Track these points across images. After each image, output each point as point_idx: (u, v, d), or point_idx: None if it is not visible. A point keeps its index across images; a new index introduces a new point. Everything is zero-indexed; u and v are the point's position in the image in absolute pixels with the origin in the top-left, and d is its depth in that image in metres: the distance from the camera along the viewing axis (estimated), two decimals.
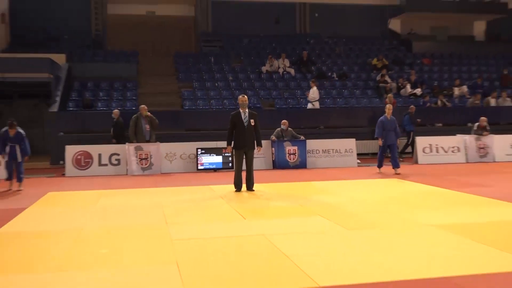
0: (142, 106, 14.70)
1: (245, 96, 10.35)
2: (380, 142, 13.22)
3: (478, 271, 4.74)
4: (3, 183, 11.36)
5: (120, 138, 15.13)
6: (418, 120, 17.71)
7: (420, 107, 19.87)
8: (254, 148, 10.19)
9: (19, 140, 11.06)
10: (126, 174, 13.87)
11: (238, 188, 10.21)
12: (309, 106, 18.79)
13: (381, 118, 13.23)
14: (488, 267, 4.87)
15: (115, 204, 8.92)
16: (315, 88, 18.79)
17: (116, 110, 15.71)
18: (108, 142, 15.02)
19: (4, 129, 11.07)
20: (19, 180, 11.09)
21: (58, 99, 17.39)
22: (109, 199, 9.58)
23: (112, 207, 8.61)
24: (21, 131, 11.17)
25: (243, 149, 10.12)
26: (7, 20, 22.94)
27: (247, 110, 10.18)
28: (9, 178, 11.05)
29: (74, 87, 19.48)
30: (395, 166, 12.92)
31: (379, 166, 13.35)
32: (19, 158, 11.03)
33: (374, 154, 17.62)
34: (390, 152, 13.22)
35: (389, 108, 13.21)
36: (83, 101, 18.35)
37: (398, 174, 12.70)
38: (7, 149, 10.99)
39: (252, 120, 10.09)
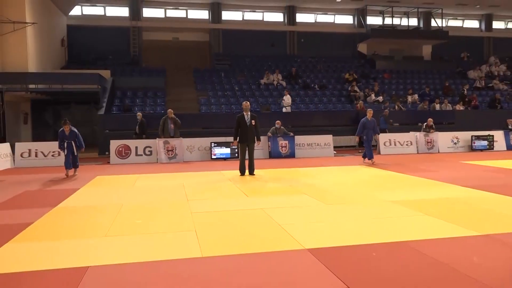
0: (169, 110, 14.61)
1: (248, 102, 10.30)
2: (357, 139, 12.67)
3: (427, 237, 4.71)
4: (64, 170, 11.03)
5: (144, 134, 14.93)
6: (391, 120, 17.59)
7: (382, 111, 19.87)
8: (254, 142, 10.14)
9: (73, 137, 10.67)
10: (156, 162, 13.83)
11: (242, 173, 10.16)
12: (284, 110, 18.56)
13: (363, 119, 12.33)
14: (434, 233, 4.83)
15: (148, 185, 8.89)
16: (288, 95, 18.69)
17: (139, 113, 15.46)
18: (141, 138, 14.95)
19: (61, 129, 10.60)
20: (76, 167, 10.88)
21: (104, 104, 17.32)
22: (143, 181, 9.55)
23: (146, 188, 8.58)
24: (75, 129, 10.74)
25: (246, 142, 10.08)
26: (66, 44, 22.86)
27: (249, 113, 10.13)
28: (69, 167, 10.69)
29: (117, 95, 19.41)
30: (369, 157, 12.23)
31: (370, 157, 12.19)
32: (75, 152, 10.70)
33: (347, 146, 17.61)
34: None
35: (369, 112, 12.42)
36: (123, 106, 18.28)
37: (367, 163, 12.14)
38: (65, 145, 10.60)
39: (253, 121, 10.04)
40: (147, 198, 7.39)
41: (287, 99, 18.57)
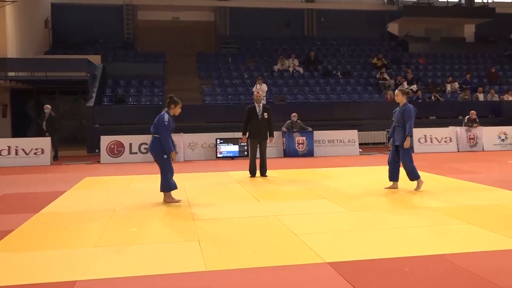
0: None
1: (260, 92, 10.28)
2: None
3: (468, 249, 4.66)
4: None
5: (53, 130, 14.56)
6: None
7: (416, 102, 19.68)
8: (267, 139, 10.12)
9: None
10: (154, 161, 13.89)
11: (252, 174, 10.16)
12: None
13: None
14: (477, 245, 4.78)
15: (144, 188, 8.93)
16: (264, 84, 18.19)
17: (47, 105, 14.87)
18: (137, 132, 14.99)
19: (165, 112, 7.27)
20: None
21: (94, 95, 17.44)
22: (138, 183, 9.60)
23: (141, 191, 8.63)
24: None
25: (257, 139, 10.07)
26: (50, 25, 23.05)
27: (261, 104, 10.12)
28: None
29: (108, 84, 19.53)
30: None
31: None
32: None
33: (375, 144, 17.51)
34: None
35: None
36: (115, 96, 18.40)
37: None
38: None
39: (265, 113, 10.02)
40: (143, 202, 7.42)
41: (260, 87, 17.72)
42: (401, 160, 7.96)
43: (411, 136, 7.76)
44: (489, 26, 26.88)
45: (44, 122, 14.79)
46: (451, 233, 5.29)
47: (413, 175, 7.92)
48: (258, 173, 10.19)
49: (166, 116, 7.19)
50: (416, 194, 7.75)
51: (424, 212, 6.39)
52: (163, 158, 7.24)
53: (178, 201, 7.32)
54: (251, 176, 10.12)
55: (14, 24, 18.35)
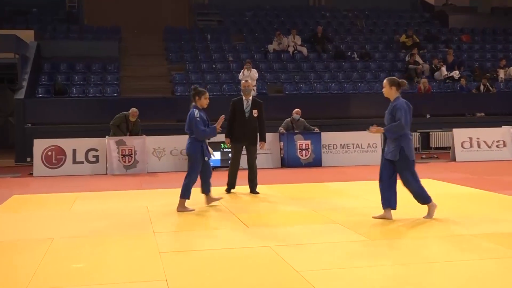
0: (133, 109, 14.09)
1: (249, 81, 10.29)
2: None
3: None
4: None
5: None
6: None
7: (458, 93, 19.76)
8: (256, 143, 10.11)
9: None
10: (106, 174, 13.84)
11: (230, 187, 10.22)
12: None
13: None
14: None
15: (92, 210, 8.90)
16: (252, 70, 17.93)
17: None
18: (83, 135, 14.93)
19: (195, 110, 8.65)
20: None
21: (25, 83, 17.35)
22: (85, 203, 9.55)
23: (89, 213, 8.59)
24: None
25: (242, 143, 10.08)
26: None
27: (250, 97, 10.12)
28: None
29: (45, 69, 19.43)
30: None
31: None
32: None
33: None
34: None
35: None
36: (54, 86, 18.29)
37: None
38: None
39: (255, 110, 9.99)
40: (91, 229, 7.40)
41: (248, 74, 17.51)
42: (401, 179, 7.53)
43: (388, 137, 7.34)
44: None
45: None
46: (508, 269, 5.33)
47: (422, 197, 7.52)
48: (246, 189, 10.21)
49: (197, 112, 8.51)
50: (457, 217, 7.78)
51: (469, 240, 6.43)
52: (199, 161, 8.61)
53: (192, 210, 8.48)
54: (227, 191, 10.17)
55: None
